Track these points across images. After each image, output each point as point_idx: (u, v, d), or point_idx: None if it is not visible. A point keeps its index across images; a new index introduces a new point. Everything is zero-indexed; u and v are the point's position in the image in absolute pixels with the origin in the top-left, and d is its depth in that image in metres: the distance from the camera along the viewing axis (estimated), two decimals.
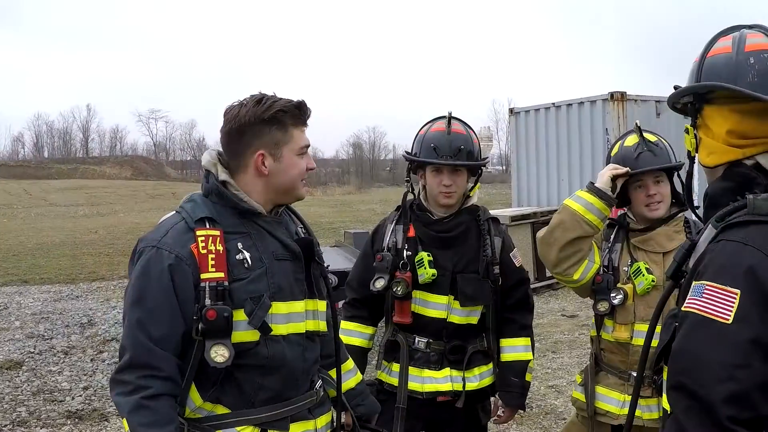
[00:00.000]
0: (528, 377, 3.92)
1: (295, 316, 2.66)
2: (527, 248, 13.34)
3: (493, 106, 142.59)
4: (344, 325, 3.88)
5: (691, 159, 2.09)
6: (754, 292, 1.67)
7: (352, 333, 3.87)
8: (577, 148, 14.71)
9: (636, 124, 3.68)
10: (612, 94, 14.02)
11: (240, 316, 2.48)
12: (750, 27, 2.00)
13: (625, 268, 3.58)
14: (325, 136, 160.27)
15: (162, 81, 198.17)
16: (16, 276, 16.17)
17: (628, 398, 3.54)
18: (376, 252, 3.84)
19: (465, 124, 3.87)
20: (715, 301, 1.70)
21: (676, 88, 2.07)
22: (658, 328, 2.09)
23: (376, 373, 3.96)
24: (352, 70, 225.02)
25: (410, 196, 3.94)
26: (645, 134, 3.62)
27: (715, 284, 1.73)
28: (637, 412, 3.40)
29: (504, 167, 78.75)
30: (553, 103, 15.58)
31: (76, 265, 17.80)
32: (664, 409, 1.85)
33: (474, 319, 3.81)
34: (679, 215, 3.65)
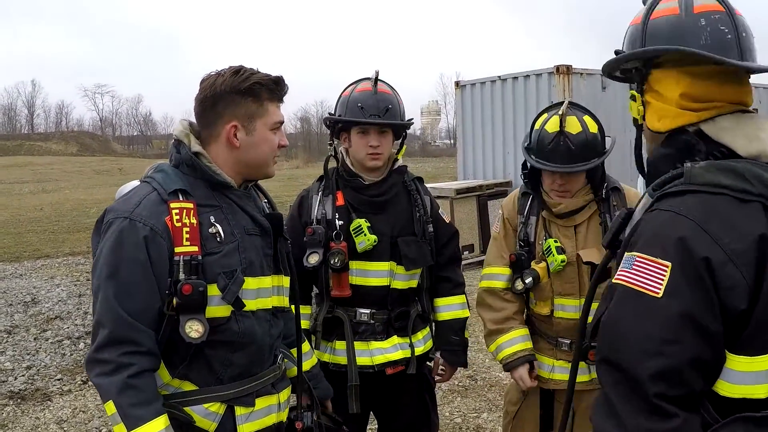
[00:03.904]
0: (466, 334, 3.92)
1: (264, 292, 2.65)
2: (473, 221, 13.43)
3: (441, 80, 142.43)
4: None
5: (638, 127, 2.02)
6: (685, 264, 1.61)
7: None
8: (522, 121, 14.66)
9: (568, 102, 3.52)
10: (558, 68, 13.98)
11: (213, 291, 2.44)
12: None
13: (541, 242, 3.56)
14: None
15: (108, 55, 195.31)
16: None
17: (558, 363, 3.58)
18: (305, 226, 3.65)
19: (390, 85, 3.78)
20: (646, 274, 1.65)
21: (618, 53, 1.98)
22: (594, 305, 2.04)
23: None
24: (298, 43, 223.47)
25: (333, 163, 3.76)
26: (576, 117, 3.44)
27: (645, 256, 1.68)
28: (565, 376, 3.44)
29: (452, 141, 78.74)
30: (499, 77, 15.51)
31: (20, 243, 17.52)
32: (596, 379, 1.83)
33: (414, 283, 3.76)
34: (592, 201, 3.53)
